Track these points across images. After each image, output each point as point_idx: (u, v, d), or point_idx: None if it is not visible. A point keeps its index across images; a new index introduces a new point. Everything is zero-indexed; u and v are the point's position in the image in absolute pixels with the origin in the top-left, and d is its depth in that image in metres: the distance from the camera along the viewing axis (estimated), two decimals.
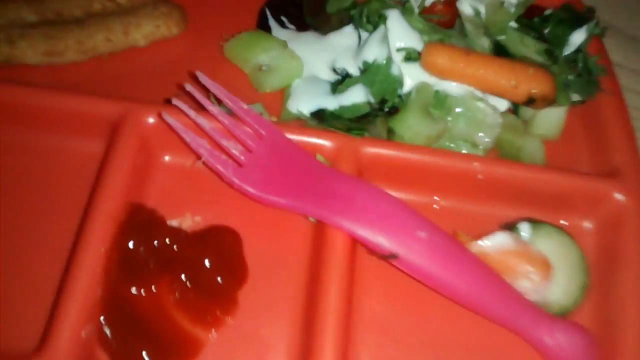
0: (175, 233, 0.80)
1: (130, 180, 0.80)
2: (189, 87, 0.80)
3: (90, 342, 0.73)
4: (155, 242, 0.78)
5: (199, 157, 0.79)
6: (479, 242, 0.82)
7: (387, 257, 0.76)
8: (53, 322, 0.70)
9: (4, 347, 0.73)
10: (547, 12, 1.04)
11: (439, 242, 0.78)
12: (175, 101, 0.79)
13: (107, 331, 0.74)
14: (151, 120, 0.83)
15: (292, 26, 1.05)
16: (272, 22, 1.05)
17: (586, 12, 1.07)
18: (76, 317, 0.71)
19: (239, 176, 0.79)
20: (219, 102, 0.83)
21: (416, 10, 0.99)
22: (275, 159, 0.81)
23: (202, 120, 0.80)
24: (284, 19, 1.06)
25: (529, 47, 0.97)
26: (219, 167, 0.78)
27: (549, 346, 0.77)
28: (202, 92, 0.82)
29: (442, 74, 0.91)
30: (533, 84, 0.90)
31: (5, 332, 0.74)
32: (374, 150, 0.87)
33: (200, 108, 0.82)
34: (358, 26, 0.99)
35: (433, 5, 1.02)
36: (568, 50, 1.01)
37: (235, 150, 0.80)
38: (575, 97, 1.00)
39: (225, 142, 0.80)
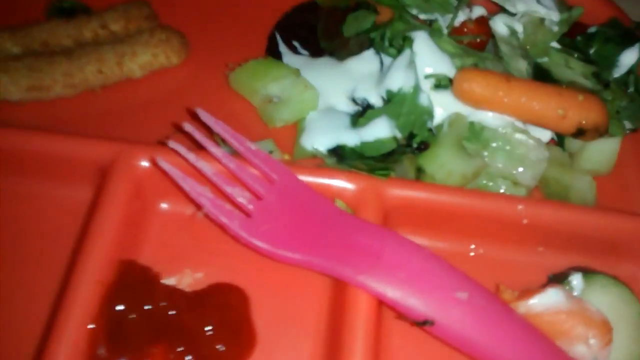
0: (172, 294, 0.69)
1: (120, 234, 0.69)
2: (188, 127, 0.69)
3: None
4: (149, 306, 0.67)
5: (199, 207, 0.68)
6: (528, 301, 0.70)
7: (422, 324, 0.65)
8: None
9: None
10: (592, 29, 0.93)
11: (482, 304, 0.66)
12: (172, 144, 0.68)
13: None
14: (145, 163, 0.73)
15: (305, 52, 0.95)
16: (282, 48, 0.94)
17: (635, 27, 0.96)
18: None
19: (246, 229, 0.68)
20: (223, 142, 0.72)
21: (445, 31, 0.88)
22: (288, 208, 0.70)
23: (203, 165, 0.69)
24: (296, 43, 0.96)
25: (575, 70, 0.86)
26: (224, 219, 0.67)
27: None
28: (203, 131, 0.71)
29: (478, 103, 0.80)
30: (583, 113, 0.79)
31: None
32: (401, 192, 0.76)
33: (202, 150, 0.71)
34: (380, 50, 0.89)
35: (463, 24, 0.91)
36: (618, 72, 0.90)
37: (243, 198, 0.69)
38: (627, 124, 0.89)
39: (230, 189, 0.69)
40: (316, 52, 0.95)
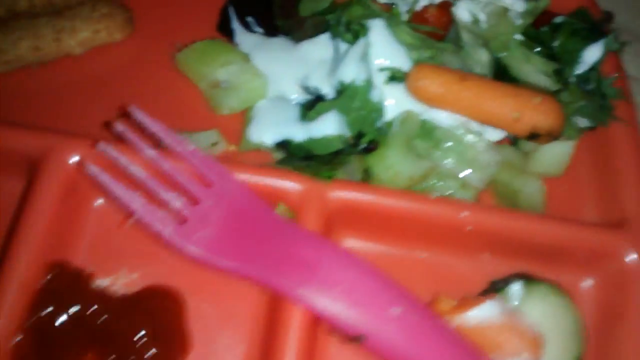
0: (103, 298, 0.68)
1: (51, 234, 0.68)
2: (120, 126, 0.66)
3: None
4: (78, 311, 0.65)
5: (131, 213, 0.66)
6: (465, 315, 0.70)
7: (354, 340, 0.65)
8: None
9: None
10: (558, 19, 0.89)
11: (416, 319, 0.67)
12: (102, 146, 0.65)
13: None
14: (78, 158, 0.69)
15: (259, 29, 0.90)
16: (235, 25, 0.89)
17: (603, 18, 0.93)
18: None
19: (180, 235, 0.66)
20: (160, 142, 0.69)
21: (405, 17, 0.84)
22: (225, 213, 0.68)
23: (135, 169, 0.66)
24: (250, 20, 0.90)
25: (536, 67, 0.83)
26: (156, 226, 0.65)
27: None
28: (136, 130, 0.68)
29: (431, 101, 0.77)
30: (538, 116, 0.77)
31: None
32: (344, 195, 0.74)
33: (134, 150, 0.68)
34: (335, 35, 0.84)
35: (425, 10, 0.86)
36: (580, 68, 0.87)
37: (177, 203, 0.67)
38: (585, 122, 0.87)
39: (164, 194, 0.66)
40: (271, 30, 0.90)
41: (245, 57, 0.83)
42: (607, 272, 0.78)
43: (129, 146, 0.67)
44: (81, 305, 0.66)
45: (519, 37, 0.85)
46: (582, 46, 0.87)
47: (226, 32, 0.89)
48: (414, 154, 0.78)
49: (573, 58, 0.86)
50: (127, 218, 0.69)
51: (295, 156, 0.78)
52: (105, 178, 0.64)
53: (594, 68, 0.87)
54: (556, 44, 0.88)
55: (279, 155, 0.80)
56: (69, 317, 0.65)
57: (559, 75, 0.83)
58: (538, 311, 0.74)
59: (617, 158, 0.84)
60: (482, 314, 0.71)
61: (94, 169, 0.64)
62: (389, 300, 0.66)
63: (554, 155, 0.83)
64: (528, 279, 0.76)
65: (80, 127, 0.76)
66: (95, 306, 0.67)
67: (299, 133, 0.79)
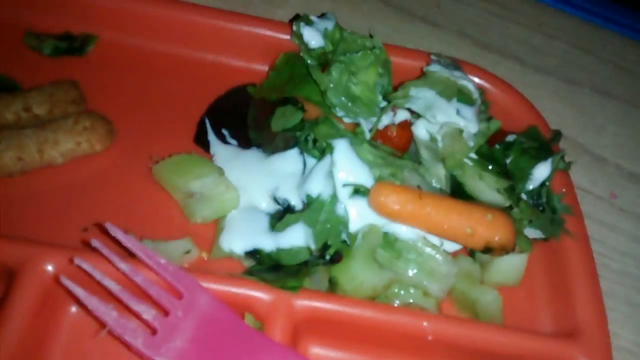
0: None
1: (26, 340, 0.69)
2: (96, 243, 0.69)
3: None
4: None
5: (103, 325, 0.68)
6: None
7: None
8: None
9: None
10: (510, 137, 0.97)
11: None
12: (77, 260, 0.68)
13: None
14: (51, 268, 0.72)
15: (233, 141, 0.95)
16: (211, 136, 0.95)
17: (552, 137, 1.01)
18: None
19: (150, 347, 0.68)
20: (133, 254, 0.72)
21: (368, 136, 0.91)
22: (194, 324, 0.71)
23: (109, 282, 0.69)
24: (225, 132, 0.96)
25: (489, 184, 0.89)
26: (127, 338, 0.67)
27: None
28: (110, 244, 0.71)
29: (391, 217, 0.83)
30: (491, 232, 0.83)
31: None
32: (310, 304, 0.78)
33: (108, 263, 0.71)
34: (304, 151, 0.90)
35: (387, 128, 0.93)
36: (531, 184, 0.93)
37: (148, 314, 0.69)
38: (537, 233, 0.93)
39: (136, 306, 0.69)
40: (244, 142, 0.95)
41: (219, 170, 0.88)
42: None
43: (103, 259, 0.70)
44: None
45: (473, 155, 0.93)
46: (533, 164, 0.94)
47: (202, 143, 0.95)
48: (376, 264, 0.82)
49: (524, 175, 0.93)
50: (100, 328, 0.71)
51: (264, 265, 0.82)
52: (79, 291, 0.67)
53: (544, 184, 0.94)
54: (508, 161, 0.95)
55: (248, 263, 0.84)
56: None
57: (511, 191, 0.90)
58: None
59: (569, 269, 0.89)
60: None
61: (68, 282, 0.67)
62: None
63: (509, 266, 0.88)
64: None
65: (60, 235, 0.79)
66: None
67: (269, 243, 0.83)
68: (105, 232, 0.72)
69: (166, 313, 0.71)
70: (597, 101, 1.23)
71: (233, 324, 0.72)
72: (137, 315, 0.70)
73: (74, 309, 0.77)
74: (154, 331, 0.70)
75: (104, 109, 0.92)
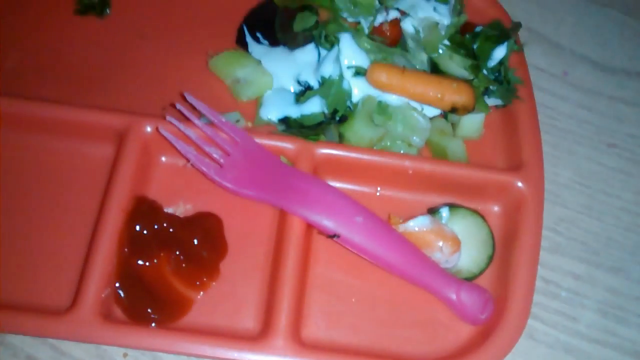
0: (171, 218, 0.99)
1: (135, 178, 0.97)
2: (179, 106, 1.03)
3: (109, 301, 0.93)
4: (156, 225, 1.01)
5: (187, 160, 1.03)
6: (405, 224, 1.05)
7: (332, 236, 1.00)
8: (80, 286, 0.92)
9: (45, 306, 0.97)
10: (478, 29, 1.25)
11: (373, 224, 0.99)
12: (168, 117, 1.02)
13: (121, 293, 0.93)
14: (150, 129, 1.06)
15: (265, 42, 1.25)
16: (248, 39, 1.25)
17: (512, 27, 1.28)
18: (98, 283, 0.90)
19: (219, 175, 1.01)
20: (203, 115, 1.06)
21: (366, 31, 1.20)
22: (247, 161, 1.03)
23: (189, 132, 1.02)
24: (259, 34, 1.26)
25: (457, 63, 1.18)
26: (203, 168, 1.01)
27: (455, 301, 1.01)
28: (189, 108, 1.05)
29: (383, 88, 1.12)
30: (455, 96, 1.11)
31: (43, 296, 0.97)
32: (327, 151, 1.03)
33: (189, 121, 1.04)
34: (318, 44, 1.19)
35: (381, 25, 1.22)
36: (492, 63, 1.22)
37: (216, 154, 1.02)
38: (498, 101, 1.22)
39: (208, 148, 1.03)
40: (274, 42, 1.22)
41: (257, 62, 1.18)
42: (508, 200, 1.05)
43: (186, 118, 1.04)
44: (157, 223, 1.01)
45: (446, 42, 1.21)
46: (493, 47, 1.20)
47: (242, 44, 1.23)
48: (373, 124, 1.13)
49: (486, 56, 1.20)
50: (184, 168, 1.06)
51: (292, 127, 1.14)
52: (171, 137, 1.01)
53: (502, 62, 1.22)
54: (475, 46, 1.23)
55: (281, 127, 1.16)
56: (150, 228, 1.00)
57: (475, 68, 1.18)
58: (460, 226, 1.04)
59: (518, 124, 1.17)
60: (417, 224, 1.04)
61: (165, 131, 1.01)
62: (354, 212, 1.00)
63: (471, 123, 1.17)
64: (453, 205, 1.08)
65: (149, 110, 1.11)
66: (166, 224, 1.03)
67: (295, 111, 1.11)
68: (185, 102, 1.05)
69: (228, 154, 1.04)
70: None
71: (273, 161, 1.05)
72: (208, 155, 1.03)
73: (164, 158, 1.11)
74: (220, 165, 1.04)
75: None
